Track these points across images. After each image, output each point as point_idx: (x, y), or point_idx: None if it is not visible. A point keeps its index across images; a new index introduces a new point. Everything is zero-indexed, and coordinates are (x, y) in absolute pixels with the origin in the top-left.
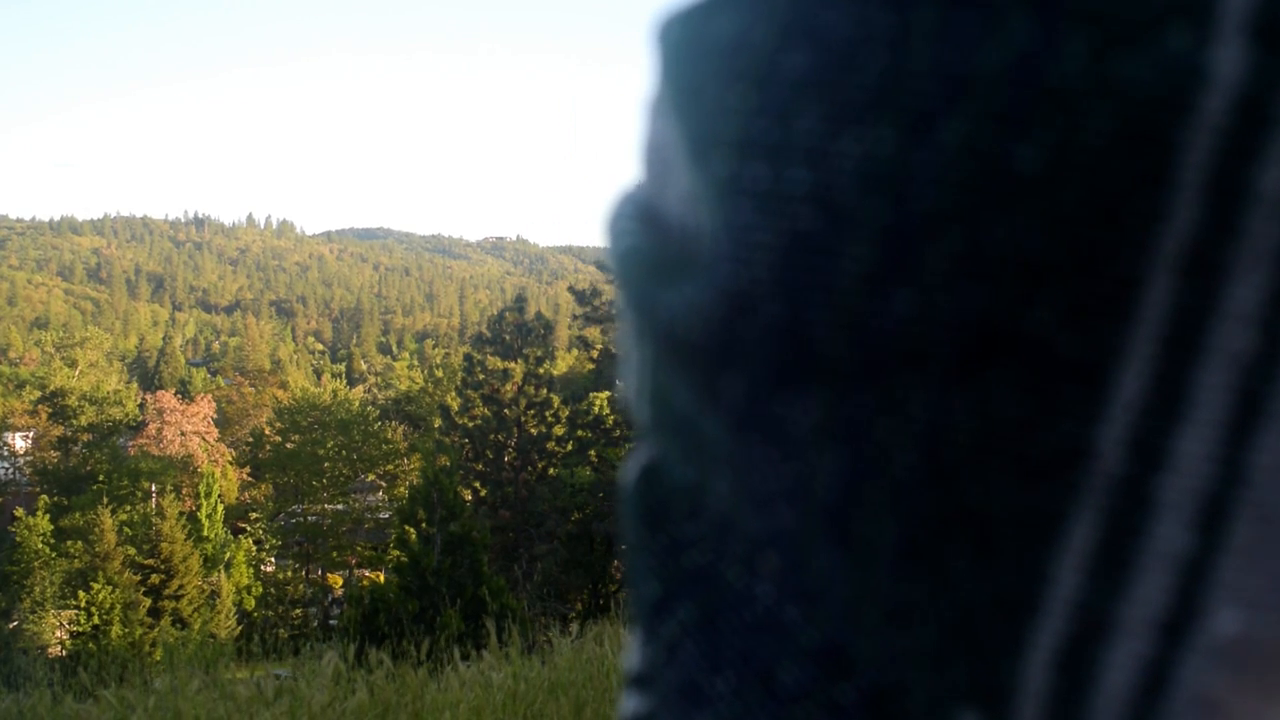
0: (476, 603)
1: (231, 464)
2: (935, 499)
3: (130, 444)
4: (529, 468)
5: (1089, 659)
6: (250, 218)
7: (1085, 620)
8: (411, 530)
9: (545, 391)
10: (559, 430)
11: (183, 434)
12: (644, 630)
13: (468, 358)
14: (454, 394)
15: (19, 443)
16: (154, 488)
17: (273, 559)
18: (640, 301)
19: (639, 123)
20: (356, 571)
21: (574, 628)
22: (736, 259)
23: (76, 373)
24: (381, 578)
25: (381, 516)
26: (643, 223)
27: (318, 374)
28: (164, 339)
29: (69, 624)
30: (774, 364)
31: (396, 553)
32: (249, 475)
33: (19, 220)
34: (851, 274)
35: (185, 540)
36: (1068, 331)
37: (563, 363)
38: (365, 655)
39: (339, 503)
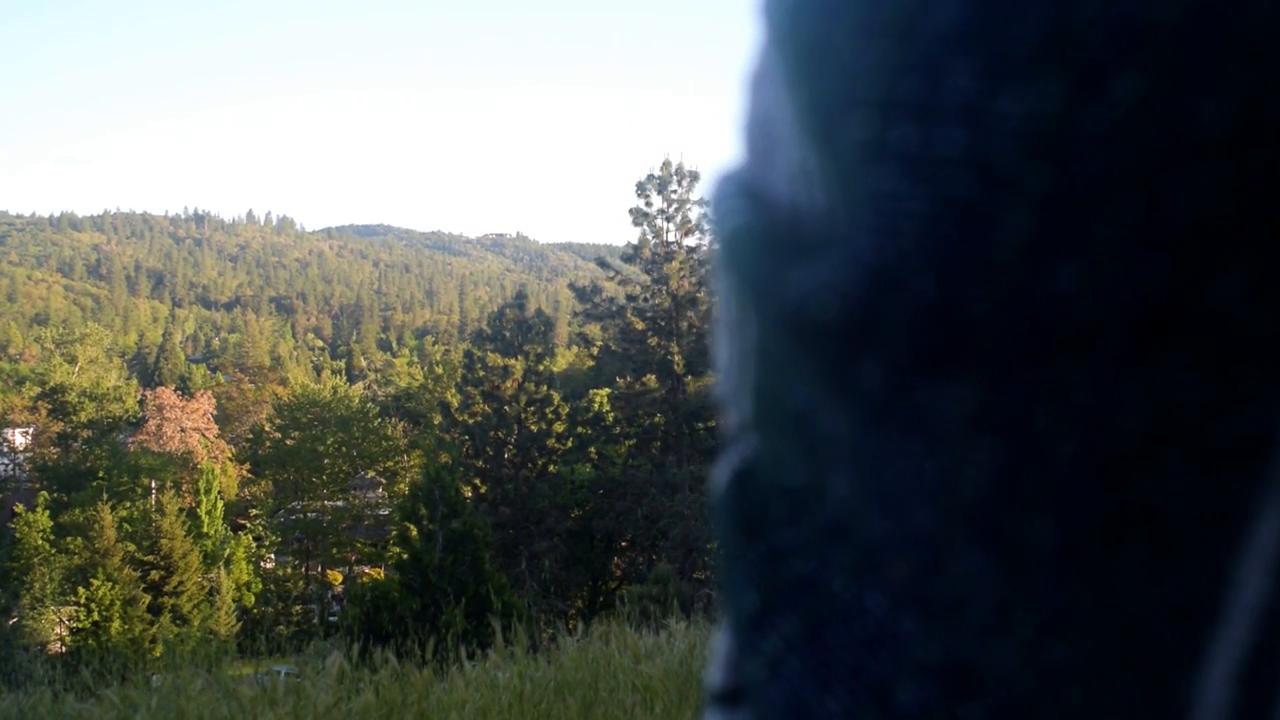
0: (479, 601)
1: (231, 460)
2: (1102, 495)
3: (130, 440)
4: (529, 465)
5: (1277, 671)
6: (250, 214)
7: (1273, 628)
8: (413, 527)
9: (545, 388)
10: (559, 427)
11: (182, 430)
12: (740, 644)
13: (468, 354)
14: (454, 391)
15: (19, 439)
16: (154, 484)
17: (272, 555)
18: (758, 283)
19: (737, 98)
20: (356, 568)
21: (576, 625)
22: (880, 230)
23: (76, 369)
24: (381, 574)
25: (381, 513)
26: (750, 201)
27: (318, 370)
28: (164, 335)
29: (69, 620)
30: (921, 347)
31: (397, 550)
32: (249, 472)
33: (19, 216)
34: (1012, 245)
35: (185, 537)
36: (1255, 306)
37: (563, 360)
38: (370, 654)
39: (339, 499)
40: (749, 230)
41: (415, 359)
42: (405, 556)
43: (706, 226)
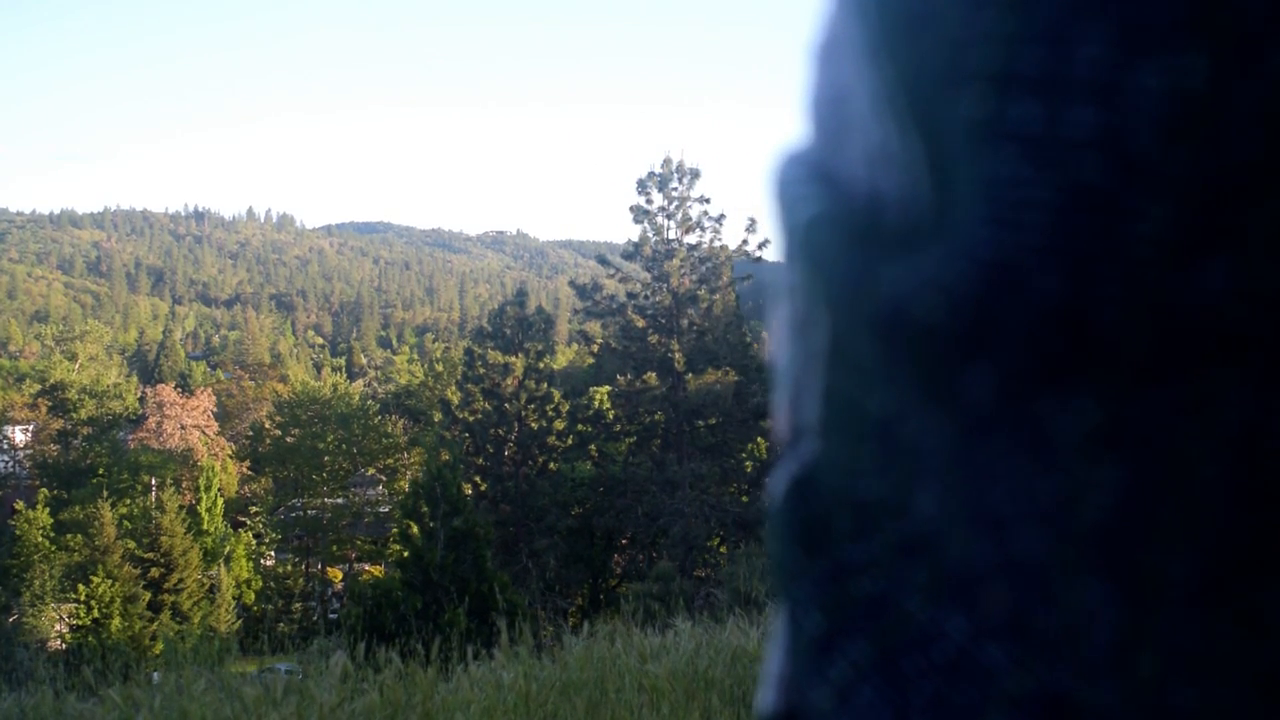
0: (480, 599)
1: (231, 458)
2: (1250, 522)
3: (130, 437)
4: (529, 462)
5: None
6: (250, 211)
7: None
8: (414, 525)
9: (546, 386)
10: (559, 425)
11: (183, 428)
12: (802, 668)
13: (468, 352)
14: (454, 388)
15: (19, 436)
16: (154, 481)
17: (272, 553)
18: (838, 278)
19: (803, 74)
20: (356, 565)
21: (578, 623)
22: (998, 221)
23: (76, 366)
24: (381, 572)
25: (381, 510)
26: (825, 187)
27: (318, 368)
28: (164, 332)
29: (69, 618)
30: (1041, 353)
31: (397, 547)
32: (249, 469)
33: (19, 213)
34: (1151, 240)
35: (185, 534)
36: None
37: (563, 357)
38: (373, 654)
39: (339, 496)
40: (828, 220)
41: (415, 356)
42: (406, 554)
43: (771, 213)
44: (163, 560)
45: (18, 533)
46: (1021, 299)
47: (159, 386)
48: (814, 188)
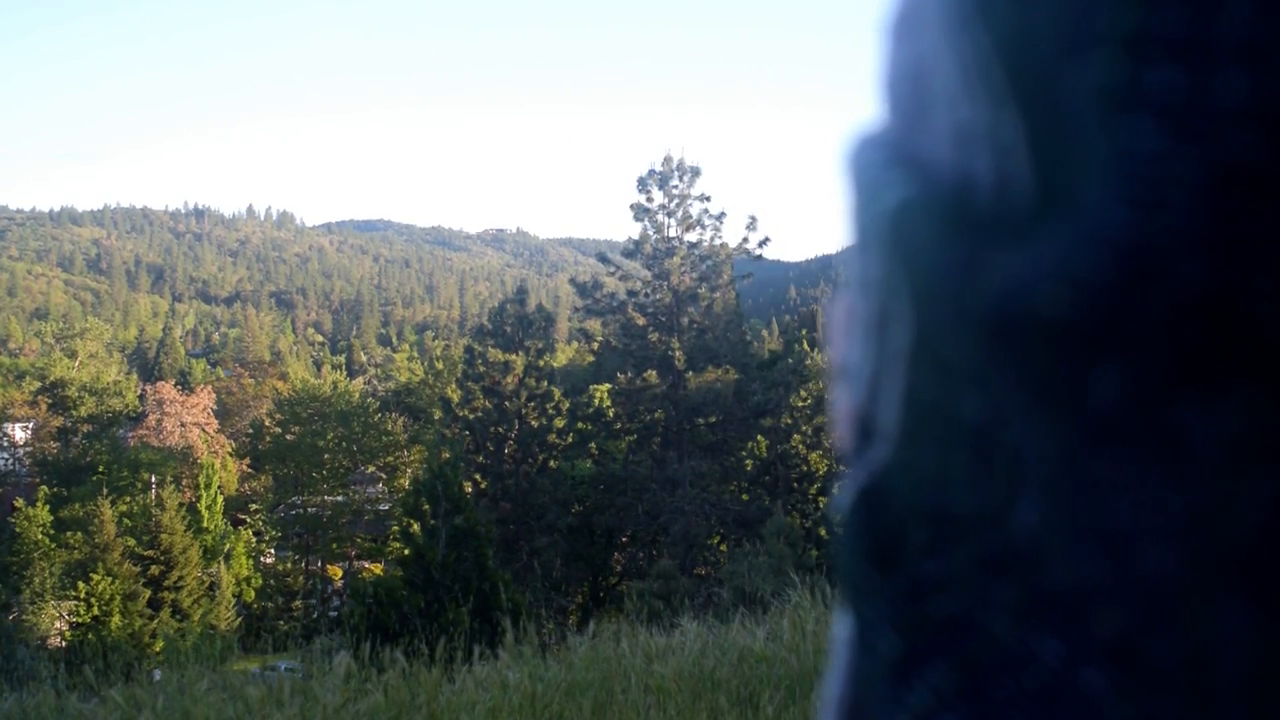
0: (483, 597)
1: (231, 455)
2: None
3: (130, 435)
4: (530, 460)
5: None
6: (250, 209)
7: None
8: (416, 524)
9: (546, 384)
10: (560, 423)
11: (182, 425)
12: (879, 695)
13: (468, 350)
14: (454, 386)
15: (19, 433)
16: (154, 479)
17: (272, 550)
18: (931, 269)
19: (877, 50)
20: (356, 563)
21: (578, 621)
22: (1134, 202)
23: (76, 364)
24: (381, 569)
25: (381, 508)
26: (911, 170)
27: (318, 365)
28: (164, 330)
29: (69, 615)
30: (1183, 349)
31: (397, 545)
32: (249, 466)
33: (19, 211)
34: None
35: (185, 531)
36: None
37: (563, 355)
38: (377, 653)
39: (339, 494)
40: (918, 206)
41: (415, 354)
42: (408, 553)
43: (846, 201)
44: (163, 558)
45: (18, 530)
46: (1161, 289)
47: (159, 384)
48: (897, 172)
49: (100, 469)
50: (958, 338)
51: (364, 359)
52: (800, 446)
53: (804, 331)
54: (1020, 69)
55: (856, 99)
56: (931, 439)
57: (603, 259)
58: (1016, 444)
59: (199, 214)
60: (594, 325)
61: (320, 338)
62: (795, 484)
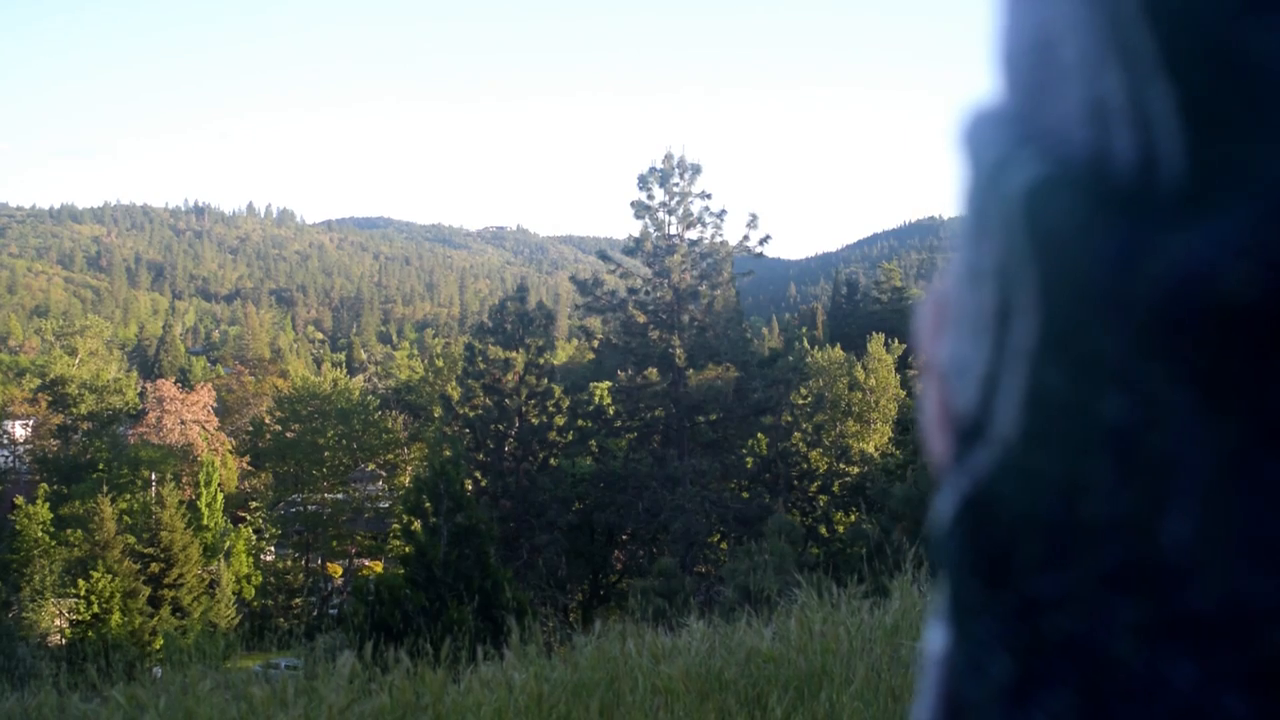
0: (485, 596)
1: (231, 453)
2: None
3: (130, 432)
4: (530, 457)
5: None
6: (250, 206)
7: None
8: (417, 522)
9: (546, 381)
10: (560, 420)
11: (183, 422)
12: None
13: (469, 347)
14: (455, 383)
15: (19, 431)
16: (154, 476)
17: (272, 548)
18: (1088, 254)
19: (993, 20)
20: (356, 561)
21: (579, 619)
22: None
23: (76, 361)
24: (381, 567)
25: (381, 506)
26: (1043, 146)
27: (318, 363)
28: (164, 327)
29: (69, 612)
30: None
31: (398, 543)
32: (249, 464)
33: (19, 208)
34: None
35: (185, 529)
36: None
37: (563, 353)
38: (381, 653)
39: (339, 492)
40: (1056, 186)
41: (415, 352)
42: (410, 551)
43: (962, 182)
44: (163, 555)
45: (18, 528)
46: None
47: (159, 381)
48: (1028, 150)
49: (100, 466)
50: (1105, 330)
51: (364, 356)
52: (801, 444)
53: (804, 329)
54: (1178, 33)
55: (857, 98)
56: (1062, 443)
57: (603, 256)
58: (1170, 447)
59: (199, 211)
60: (594, 323)
61: (320, 335)
62: (796, 481)
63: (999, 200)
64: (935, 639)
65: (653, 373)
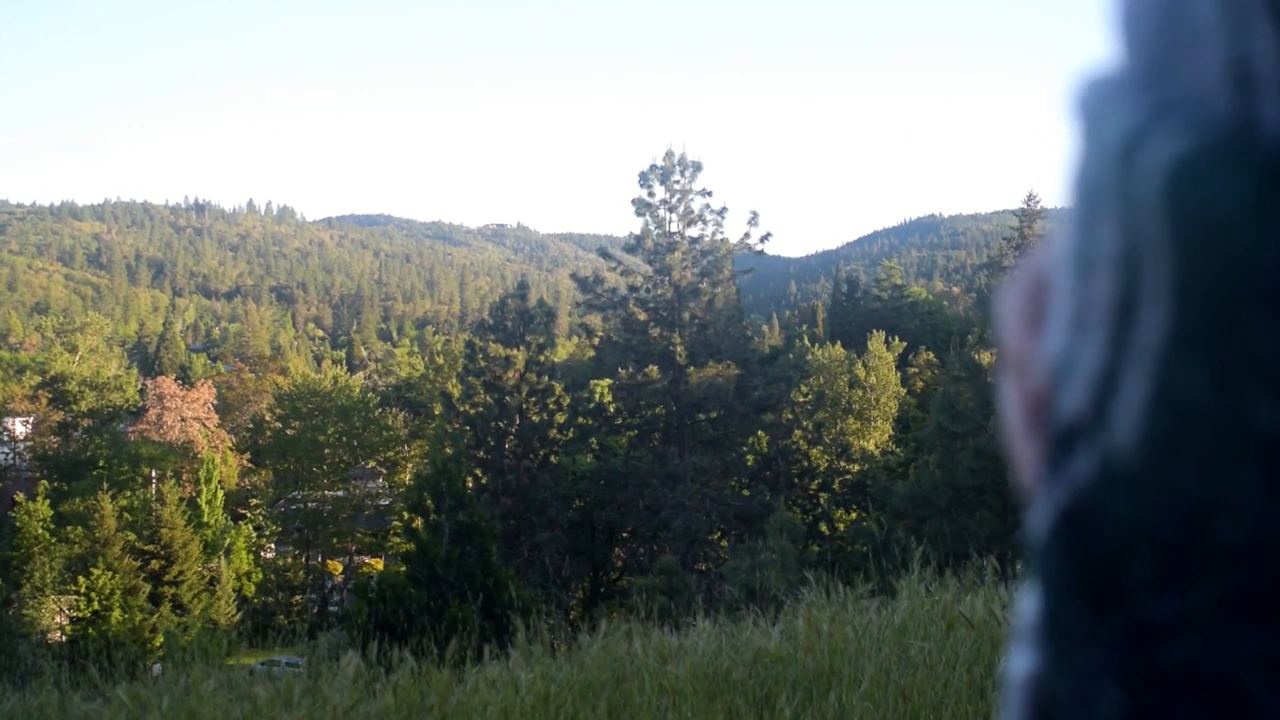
0: (488, 594)
1: (232, 450)
2: None
3: (130, 429)
4: (530, 455)
5: None
6: (251, 203)
7: None
8: (419, 520)
9: (547, 379)
10: (560, 418)
11: (183, 420)
12: None
13: (469, 344)
14: (455, 381)
15: (19, 428)
16: (154, 473)
17: (273, 545)
18: (1258, 239)
19: None
20: (356, 558)
21: (579, 616)
22: None
23: (77, 358)
24: (381, 564)
25: (382, 503)
26: (1177, 118)
27: (318, 360)
28: (164, 324)
29: (69, 609)
30: None
31: (398, 540)
32: (249, 461)
33: (19, 205)
34: None
35: (185, 526)
36: None
37: (563, 350)
38: (386, 653)
39: (339, 489)
40: (1207, 160)
41: (416, 349)
42: (411, 549)
43: (1080, 157)
44: (163, 552)
45: (18, 525)
46: None
47: (159, 379)
48: (1168, 120)
49: (100, 464)
50: (1263, 326)
51: (364, 354)
52: (801, 442)
53: (804, 327)
54: None
55: (857, 97)
56: (1195, 453)
57: (604, 254)
58: None
59: (199, 208)
60: (595, 320)
61: (320, 332)
62: (796, 479)
63: (1129, 177)
64: (1020, 664)
65: (653, 370)
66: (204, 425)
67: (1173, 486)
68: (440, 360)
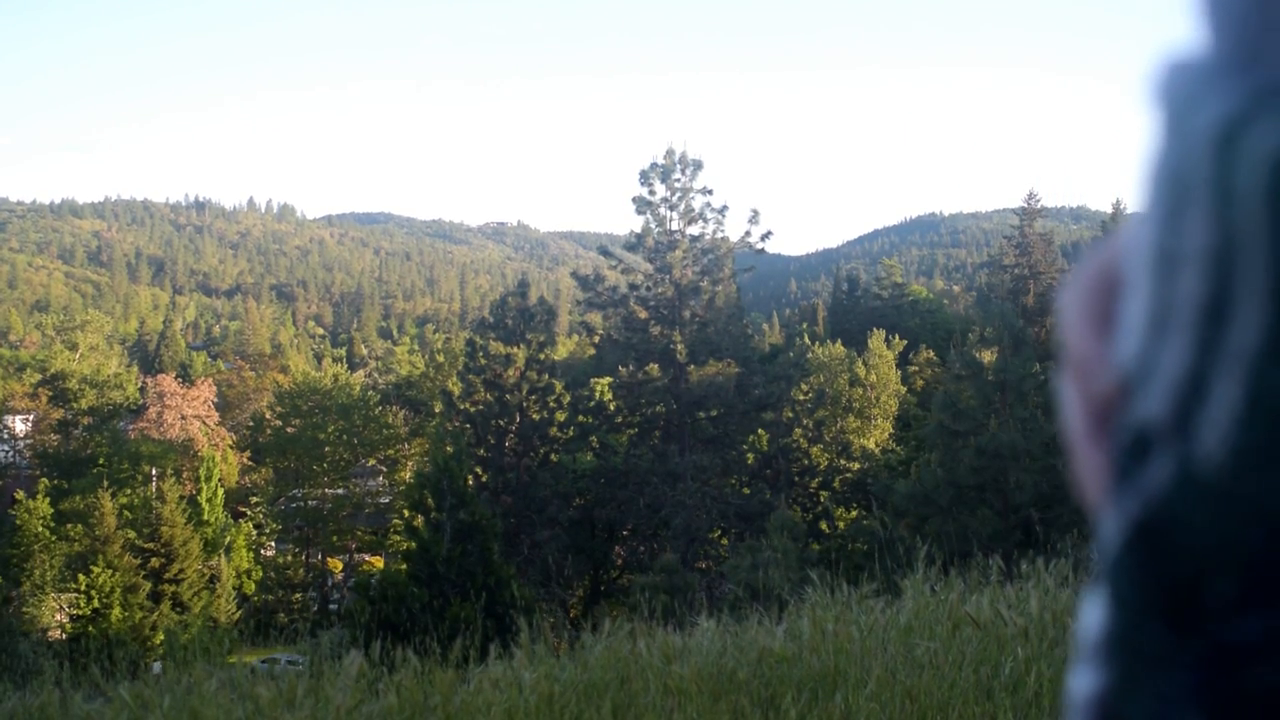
0: (489, 593)
1: (232, 448)
2: None
3: (130, 427)
4: (531, 453)
5: None
6: (251, 201)
7: None
8: (420, 518)
9: (547, 377)
10: (561, 416)
11: (183, 418)
12: None
13: (470, 342)
14: (455, 379)
15: (19, 426)
16: (154, 471)
17: (273, 543)
18: None
19: None
20: (357, 556)
21: (577, 614)
22: None
23: (77, 356)
24: (381, 562)
25: (382, 501)
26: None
27: (318, 358)
28: (164, 322)
29: (69, 607)
30: None
31: (398, 538)
32: (249, 459)
33: (19, 203)
34: None
35: (185, 524)
36: None
37: (563, 348)
38: (389, 652)
39: (339, 487)
40: None
41: (416, 347)
42: (413, 547)
43: (1151, 143)
44: (163, 550)
45: (18, 522)
46: None
47: (159, 376)
48: (1269, 107)
49: (101, 461)
50: None
51: (365, 352)
52: (801, 440)
53: (805, 325)
54: None
55: (857, 95)
56: None
57: (604, 252)
58: None
59: (200, 206)
60: (595, 318)
61: (321, 330)
62: (797, 477)
63: (1226, 168)
64: (1085, 682)
65: (654, 368)
66: (204, 423)
67: (1261, 499)
68: (440, 358)
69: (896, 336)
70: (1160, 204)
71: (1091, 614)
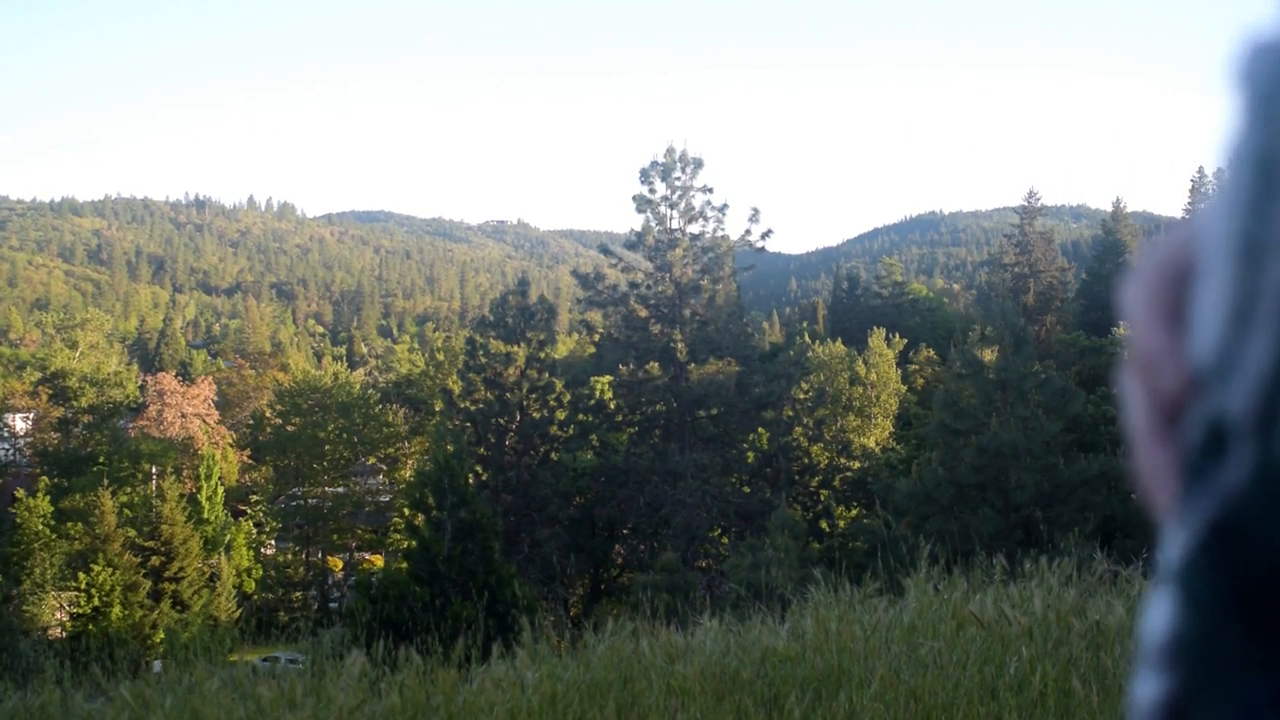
0: (490, 592)
1: (232, 446)
2: None
3: (131, 426)
4: (531, 452)
5: None
6: (251, 200)
7: None
8: (420, 517)
9: (547, 375)
10: (561, 414)
11: (183, 416)
12: None
13: (470, 341)
14: (456, 377)
15: (19, 424)
16: (154, 470)
17: (273, 541)
18: None
19: None
20: (357, 554)
21: (577, 613)
22: None
23: (77, 354)
24: (381, 561)
25: (382, 500)
26: None
27: (318, 356)
28: (164, 321)
29: (69, 605)
30: None
31: (398, 537)
32: (249, 458)
33: (19, 201)
34: None
35: (185, 522)
36: None
37: (564, 347)
38: (391, 652)
39: (339, 485)
40: None
41: (416, 345)
42: (413, 546)
43: (1234, 128)
44: (163, 549)
45: (18, 520)
46: None
47: (159, 375)
48: None
49: (101, 460)
50: None
51: (365, 350)
52: (802, 438)
53: (805, 324)
54: None
55: (857, 94)
56: None
57: (605, 250)
58: None
59: (200, 204)
60: (595, 317)
61: (321, 329)
62: (797, 476)
63: None
64: (1152, 688)
65: (654, 367)
66: (204, 421)
67: None
68: (441, 357)
69: (897, 335)
70: (1245, 190)
71: (1158, 617)
